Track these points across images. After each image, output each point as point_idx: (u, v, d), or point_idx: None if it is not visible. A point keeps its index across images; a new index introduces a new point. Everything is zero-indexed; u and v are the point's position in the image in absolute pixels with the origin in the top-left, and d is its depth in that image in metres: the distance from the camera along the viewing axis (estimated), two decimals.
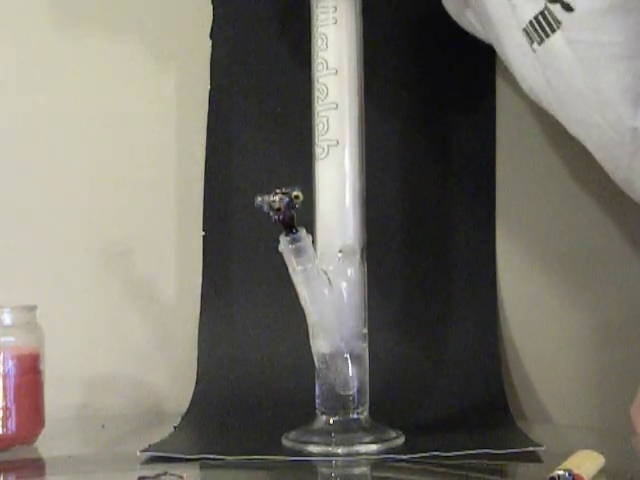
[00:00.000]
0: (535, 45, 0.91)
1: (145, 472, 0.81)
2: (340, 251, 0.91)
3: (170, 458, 0.87)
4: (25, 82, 1.16)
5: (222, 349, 1.11)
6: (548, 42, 0.90)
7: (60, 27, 1.16)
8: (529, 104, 1.11)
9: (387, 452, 0.88)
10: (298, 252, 0.87)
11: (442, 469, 0.84)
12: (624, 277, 1.14)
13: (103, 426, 1.05)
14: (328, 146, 0.92)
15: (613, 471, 0.81)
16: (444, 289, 1.12)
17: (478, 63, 1.14)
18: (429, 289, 1.12)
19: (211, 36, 1.15)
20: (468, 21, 1.04)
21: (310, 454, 0.88)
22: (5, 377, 0.92)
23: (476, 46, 1.07)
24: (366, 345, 0.92)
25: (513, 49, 0.95)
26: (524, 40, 0.92)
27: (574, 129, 0.95)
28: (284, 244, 0.87)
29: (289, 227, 0.86)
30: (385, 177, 1.12)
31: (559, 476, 0.72)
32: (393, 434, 0.92)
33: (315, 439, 0.90)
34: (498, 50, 1.00)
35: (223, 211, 1.14)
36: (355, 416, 0.91)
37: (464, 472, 0.84)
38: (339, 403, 0.91)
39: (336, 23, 0.92)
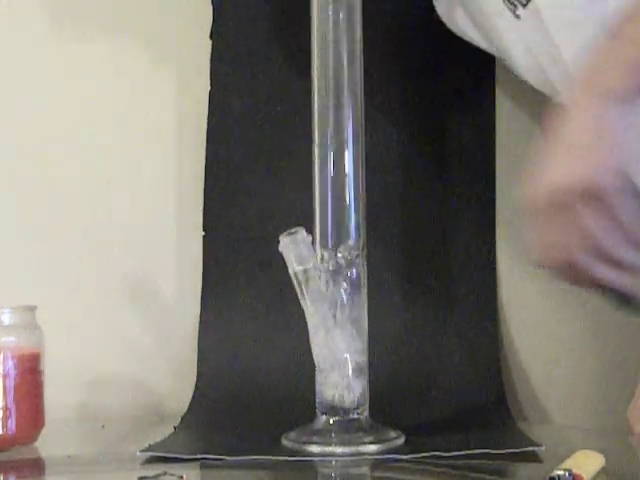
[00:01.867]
0: (520, 10, 0.89)
1: (145, 472, 0.81)
2: (340, 251, 0.91)
3: (170, 458, 0.87)
4: (25, 81, 1.16)
5: (222, 349, 1.11)
6: (532, 3, 0.88)
7: (60, 27, 1.16)
8: (529, 103, 1.11)
9: (387, 452, 0.88)
10: (298, 252, 0.87)
11: (442, 469, 0.84)
12: None
13: (103, 426, 1.05)
14: (328, 146, 0.92)
15: (613, 471, 0.81)
16: (444, 289, 1.12)
17: (478, 62, 1.14)
18: (429, 289, 1.12)
19: (211, 36, 1.15)
20: (456, 23, 1.03)
21: (310, 454, 0.88)
22: (5, 377, 0.92)
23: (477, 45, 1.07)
24: (366, 345, 0.92)
25: (499, 24, 0.93)
26: (506, 10, 0.90)
27: None
28: (284, 244, 0.88)
29: None
30: (385, 177, 1.12)
31: (559, 476, 0.72)
32: (393, 434, 0.92)
33: (315, 439, 0.90)
34: (489, 41, 0.99)
35: (223, 211, 1.14)
36: (355, 416, 0.91)
37: (464, 472, 0.84)
38: (339, 403, 0.91)
39: (336, 23, 0.92)
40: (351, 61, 0.92)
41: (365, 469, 0.88)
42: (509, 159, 1.15)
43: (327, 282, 0.89)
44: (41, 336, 0.95)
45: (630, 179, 0.73)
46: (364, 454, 0.88)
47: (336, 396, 0.90)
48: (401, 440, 0.91)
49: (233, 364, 1.10)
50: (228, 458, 0.87)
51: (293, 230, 0.88)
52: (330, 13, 0.92)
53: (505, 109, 1.15)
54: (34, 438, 0.94)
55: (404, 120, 1.14)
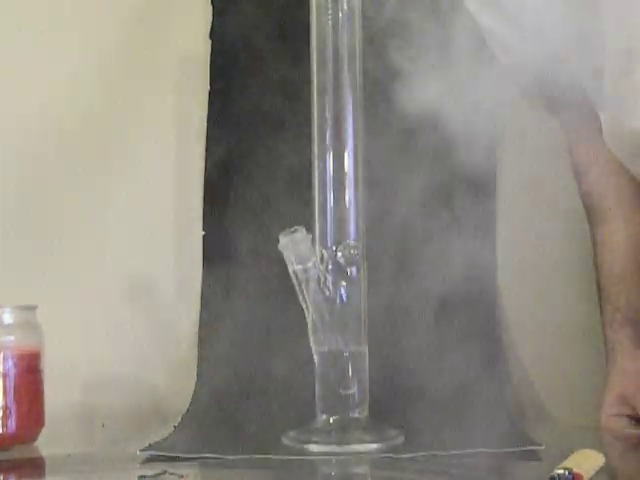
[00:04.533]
0: None
1: (145, 471, 0.81)
2: (340, 251, 0.91)
3: (170, 457, 0.87)
4: (26, 81, 1.16)
5: (222, 349, 1.11)
6: None
7: (58, 26, 1.16)
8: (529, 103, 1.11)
9: (387, 451, 0.88)
10: (298, 251, 0.87)
11: (441, 468, 0.84)
12: None
13: (103, 425, 1.05)
14: (328, 146, 0.92)
15: (613, 471, 0.81)
16: (444, 289, 1.12)
17: None
18: (428, 289, 1.12)
19: (211, 36, 1.15)
20: None
21: (310, 453, 0.88)
22: (5, 377, 0.92)
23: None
24: (366, 344, 0.92)
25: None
26: None
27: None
28: (284, 243, 0.88)
29: None
30: (385, 177, 1.12)
31: (559, 475, 0.72)
32: (392, 433, 0.92)
33: (315, 438, 0.90)
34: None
35: (223, 211, 1.14)
36: (355, 415, 0.91)
37: (463, 471, 0.84)
38: (339, 402, 0.91)
39: (335, 22, 0.92)
40: (351, 60, 0.92)
41: (365, 468, 0.88)
42: (510, 159, 1.15)
43: (327, 281, 0.89)
44: (41, 335, 0.95)
45: None
46: (364, 453, 0.88)
47: (336, 395, 0.90)
48: (400, 439, 0.91)
49: (233, 364, 1.10)
50: (228, 457, 0.87)
51: (293, 229, 0.88)
52: (330, 12, 0.92)
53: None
54: (34, 437, 0.94)
55: (404, 120, 1.14)
